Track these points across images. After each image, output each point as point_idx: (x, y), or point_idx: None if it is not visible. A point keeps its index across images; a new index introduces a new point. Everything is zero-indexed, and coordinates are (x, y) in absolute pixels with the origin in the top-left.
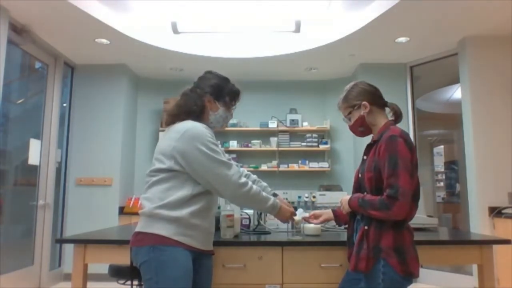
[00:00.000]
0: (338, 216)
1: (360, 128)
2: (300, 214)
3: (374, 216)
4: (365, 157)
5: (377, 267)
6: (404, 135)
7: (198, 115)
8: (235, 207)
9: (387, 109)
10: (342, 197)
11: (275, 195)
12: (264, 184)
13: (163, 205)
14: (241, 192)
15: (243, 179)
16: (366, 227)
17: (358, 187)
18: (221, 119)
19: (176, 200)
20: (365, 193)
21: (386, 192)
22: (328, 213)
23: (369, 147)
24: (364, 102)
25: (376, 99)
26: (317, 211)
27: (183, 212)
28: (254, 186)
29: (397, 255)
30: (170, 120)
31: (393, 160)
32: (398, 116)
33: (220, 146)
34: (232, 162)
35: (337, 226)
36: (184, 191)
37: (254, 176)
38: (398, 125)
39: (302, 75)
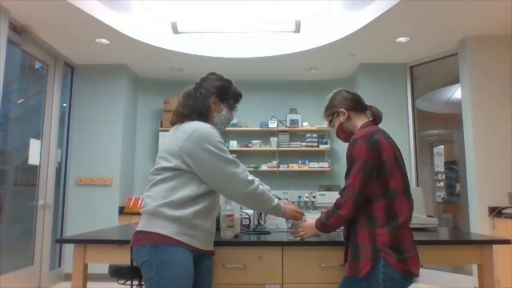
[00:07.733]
0: None
1: (343, 134)
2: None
3: (331, 225)
4: None
5: (377, 267)
6: (368, 136)
7: (206, 116)
8: (235, 207)
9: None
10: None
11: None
12: (267, 187)
13: (166, 204)
14: (249, 190)
15: (251, 177)
16: (359, 228)
17: None
18: (224, 120)
19: (180, 199)
20: None
21: None
22: (312, 226)
23: None
24: (341, 109)
25: (355, 104)
26: (301, 224)
27: (186, 211)
28: (260, 186)
29: (396, 254)
30: (178, 120)
31: (349, 162)
32: (376, 117)
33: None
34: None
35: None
36: (188, 191)
37: (256, 179)
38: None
39: (302, 75)
